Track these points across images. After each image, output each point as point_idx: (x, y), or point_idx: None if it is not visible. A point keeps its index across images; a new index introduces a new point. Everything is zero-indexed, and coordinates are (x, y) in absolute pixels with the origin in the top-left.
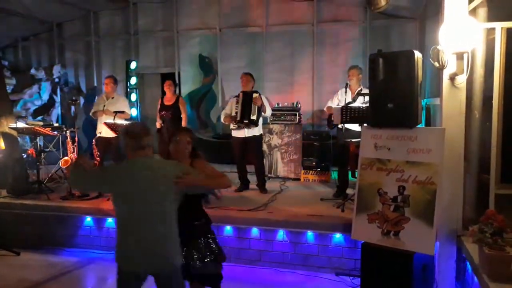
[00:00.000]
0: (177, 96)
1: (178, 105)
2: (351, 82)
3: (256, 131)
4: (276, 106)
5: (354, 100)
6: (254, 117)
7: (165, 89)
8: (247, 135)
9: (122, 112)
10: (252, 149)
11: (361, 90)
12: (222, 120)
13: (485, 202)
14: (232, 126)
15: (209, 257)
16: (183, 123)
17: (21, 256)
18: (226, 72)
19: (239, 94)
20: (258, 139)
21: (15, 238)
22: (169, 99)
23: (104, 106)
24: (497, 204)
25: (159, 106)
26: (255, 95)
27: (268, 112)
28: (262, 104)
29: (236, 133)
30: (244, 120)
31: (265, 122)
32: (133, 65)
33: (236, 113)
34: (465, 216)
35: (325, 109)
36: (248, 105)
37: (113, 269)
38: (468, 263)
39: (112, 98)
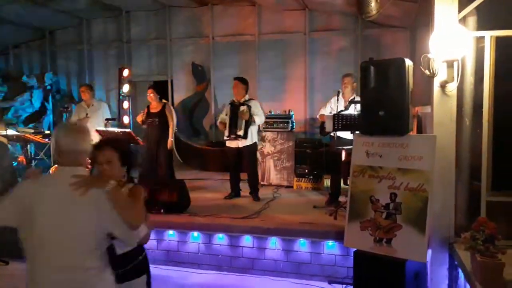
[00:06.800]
0: (164, 103)
1: (165, 112)
2: (345, 90)
3: (249, 141)
4: (269, 114)
5: (346, 108)
6: (240, 133)
7: (148, 98)
8: (240, 146)
9: (114, 119)
10: (246, 159)
11: (354, 98)
12: (217, 123)
13: (476, 209)
14: (225, 136)
15: None
16: (170, 131)
17: (10, 266)
18: (219, 80)
19: (232, 104)
20: (252, 149)
21: (4, 247)
22: (155, 107)
23: (87, 114)
24: (488, 211)
25: (144, 115)
26: (242, 108)
27: (259, 120)
28: (250, 117)
29: (229, 143)
30: (231, 134)
31: (258, 130)
32: (125, 72)
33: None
34: (457, 223)
35: (318, 116)
36: (235, 119)
37: None
38: (460, 270)
39: (93, 105)
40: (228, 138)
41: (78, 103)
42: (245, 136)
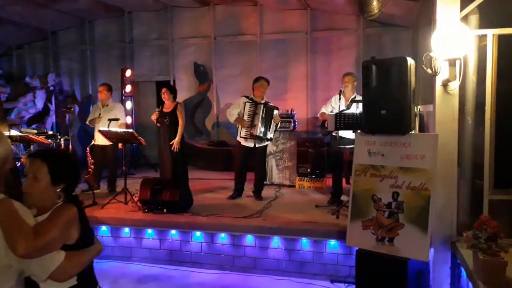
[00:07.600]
0: (176, 103)
1: (176, 111)
2: (346, 89)
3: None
4: None
5: (348, 107)
6: (272, 136)
7: (162, 98)
8: (257, 146)
9: (117, 119)
10: (257, 157)
11: (355, 97)
12: (232, 120)
13: (479, 207)
14: (243, 133)
15: None
16: (179, 130)
17: None
18: (221, 80)
19: (256, 103)
20: (265, 148)
21: None
22: (168, 106)
23: (100, 114)
24: (490, 209)
25: (158, 114)
26: (276, 112)
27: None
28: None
29: (245, 142)
30: (264, 136)
31: None
32: (128, 73)
33: (250, 121)
34: (459, 222)
35: (318, 115)
36: (269, 121)
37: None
38: (462, 269)
39: (107, 105)
40: (248, 137)
41: (95, 104)
42: (271, 139)
